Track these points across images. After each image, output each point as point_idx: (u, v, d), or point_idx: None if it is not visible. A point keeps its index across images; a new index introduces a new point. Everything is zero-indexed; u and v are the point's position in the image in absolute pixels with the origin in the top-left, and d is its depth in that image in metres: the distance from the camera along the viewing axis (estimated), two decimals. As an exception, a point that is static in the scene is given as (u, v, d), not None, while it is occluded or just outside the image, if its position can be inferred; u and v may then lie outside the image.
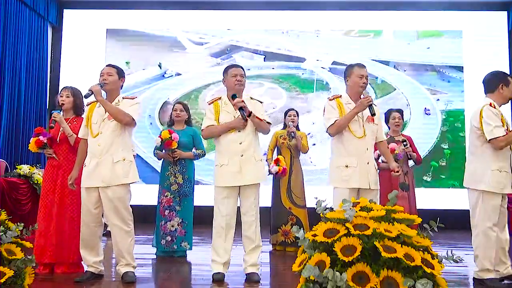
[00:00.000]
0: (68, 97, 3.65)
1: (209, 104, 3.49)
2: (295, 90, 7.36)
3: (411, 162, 4.79)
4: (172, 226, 4.28)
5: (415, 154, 4.66)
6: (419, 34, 7.60)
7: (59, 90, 3.79)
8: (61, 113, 3.62)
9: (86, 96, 3.26)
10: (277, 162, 4.65)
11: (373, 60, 7.48)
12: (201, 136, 3.63)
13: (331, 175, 3.36)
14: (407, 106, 7.37)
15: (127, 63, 7.24)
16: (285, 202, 4.78)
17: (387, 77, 7.51)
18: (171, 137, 4.20)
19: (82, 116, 3.68)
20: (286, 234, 4.72)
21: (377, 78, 7.45)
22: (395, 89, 7.45)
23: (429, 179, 7.21)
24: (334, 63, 7.46)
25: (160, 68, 7.24)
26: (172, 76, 7.32)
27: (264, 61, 7.38)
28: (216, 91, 7.15)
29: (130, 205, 3.36)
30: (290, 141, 4.83)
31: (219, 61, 7.37)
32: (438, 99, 7.42)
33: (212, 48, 7.42)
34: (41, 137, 3.53)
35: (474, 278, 3.35)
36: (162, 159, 4.46)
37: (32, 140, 3.57)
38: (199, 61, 7.42)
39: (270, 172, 4.61)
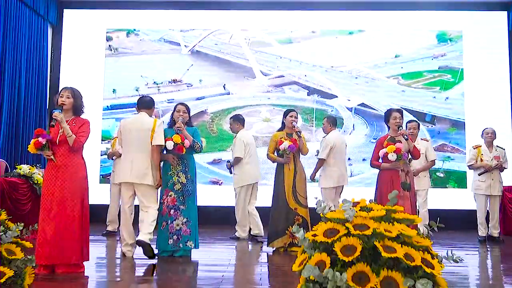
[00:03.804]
0: (68, 97, 3.60)
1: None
2: (311, 122, 7.66)
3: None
4: (177, 225, 4.30)
5: (412, 143, 4.64)
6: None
7: (59, 90, 3.74)
8: (62, 113, 3.58)
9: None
10: (284, 140, 4.77)
11: (404, 107, 7.40)
12: None
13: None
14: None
15: (200, 80, 7.79)
16: (291, 203, 4.76)
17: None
18: (183, 142, 4.26)
19: (81, 116, 3.68)
20: (294, 236, 4.70)
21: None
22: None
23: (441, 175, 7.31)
24: (362, 104, 7.61)
25: (224, 89, 7.79)
26: (227, 94, 7.81)
27: (308, 95, 7.75)
28: (247, 111, 7.55)
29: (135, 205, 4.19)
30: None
31: (270, 89, 7.79)
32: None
33: (274, 80, 7.84)
34: (40, 139, 3.47)
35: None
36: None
37: (32, 141, 3.52)
38: (256, 87, 7.80)
39: (284, 153, 4.76)
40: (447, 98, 7.55)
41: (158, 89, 7.69)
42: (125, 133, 4.30)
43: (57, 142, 3.53)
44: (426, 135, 7.25)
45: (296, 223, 4.68)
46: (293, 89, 7.78)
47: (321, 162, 5.48)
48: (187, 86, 7.81)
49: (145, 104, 4.42)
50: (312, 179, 5.53)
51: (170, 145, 4.26)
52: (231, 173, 5.73)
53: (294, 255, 4.35)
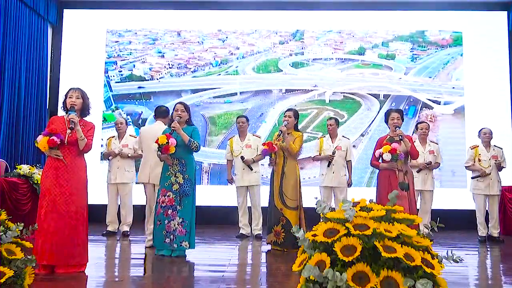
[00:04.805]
0: (78, 98, 3.59)
1: None
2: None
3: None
4: (174, 225, 4.29)
5: (410, 143, 4.61)
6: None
7: (67, 91, 3.68)
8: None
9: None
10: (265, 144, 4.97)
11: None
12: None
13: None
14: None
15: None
16: (277, 203, 4.78)
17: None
18: (168, 142, 4.22)
19: (85, 118, 3.67)
20: (277, 235, 4.72)
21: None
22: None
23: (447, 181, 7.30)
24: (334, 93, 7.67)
25: None
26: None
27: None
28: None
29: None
30: (282, 142, 4.80)
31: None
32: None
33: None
34: (55, 138, 3.46)
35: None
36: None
37: (44, 138, 3.48)
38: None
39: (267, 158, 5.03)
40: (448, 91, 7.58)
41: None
42: (144, 141, 4.87)
43: (66, 143, 3.52)
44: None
45: (281, 224, 4.71)
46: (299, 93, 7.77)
47: (350, 164, 5.93)
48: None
49: (160, 113, 4.99)
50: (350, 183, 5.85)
51: (154, 146, 4.29)
52: (251, 169, 5.71)
53: (292, 255, 4.35)
